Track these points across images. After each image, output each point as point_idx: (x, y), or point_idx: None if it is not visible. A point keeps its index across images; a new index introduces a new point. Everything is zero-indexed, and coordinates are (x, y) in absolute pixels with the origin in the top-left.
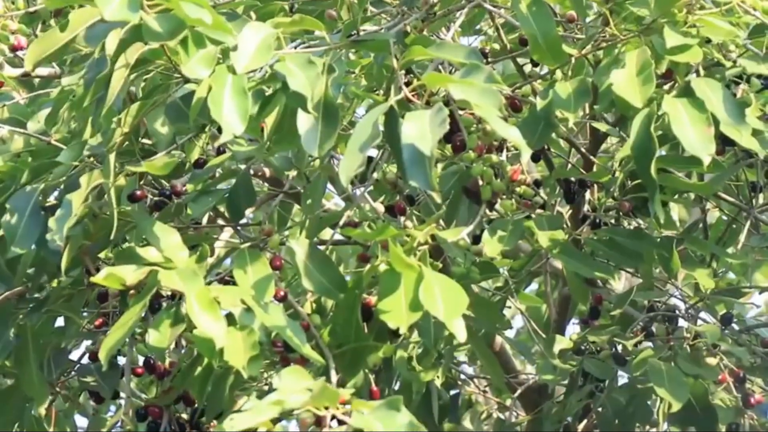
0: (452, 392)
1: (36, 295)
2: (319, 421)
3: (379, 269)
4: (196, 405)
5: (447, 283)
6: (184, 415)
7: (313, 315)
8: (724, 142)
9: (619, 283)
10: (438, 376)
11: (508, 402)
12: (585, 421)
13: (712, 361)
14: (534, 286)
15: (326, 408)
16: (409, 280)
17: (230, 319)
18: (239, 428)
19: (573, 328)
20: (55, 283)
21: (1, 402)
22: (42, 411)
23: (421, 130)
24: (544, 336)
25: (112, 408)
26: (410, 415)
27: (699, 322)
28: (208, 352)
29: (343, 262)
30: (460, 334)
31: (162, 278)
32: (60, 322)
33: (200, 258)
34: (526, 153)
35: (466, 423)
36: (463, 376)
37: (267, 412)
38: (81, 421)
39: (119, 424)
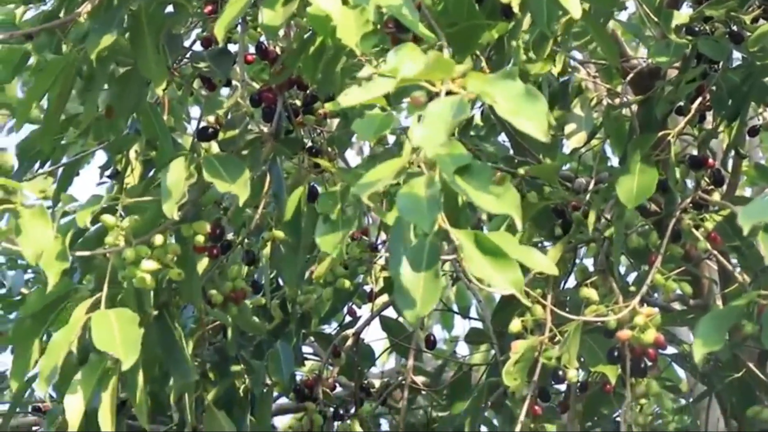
0: (562, 79)
1: None
2: (431, 100)
3: None
4: (309, 90)
5: None
6: (297, 102)
7: None
8: None
9: None
10: (554, 66)
11: (619, 88)
12: (698, 102)
13: None
14: None
15: (441, 82)
16: None
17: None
18: (352, 102)
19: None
20: None
21: (120, 87)
22: (160, 92)
23: None
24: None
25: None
26: (524, 85)
27: None
28: (322, 28)
29: None
30: (575, 8)
31: None
32: (170, 9)
33: None
34: None
35: (576, 110)
36: (573, 63)
37: (381, 86)
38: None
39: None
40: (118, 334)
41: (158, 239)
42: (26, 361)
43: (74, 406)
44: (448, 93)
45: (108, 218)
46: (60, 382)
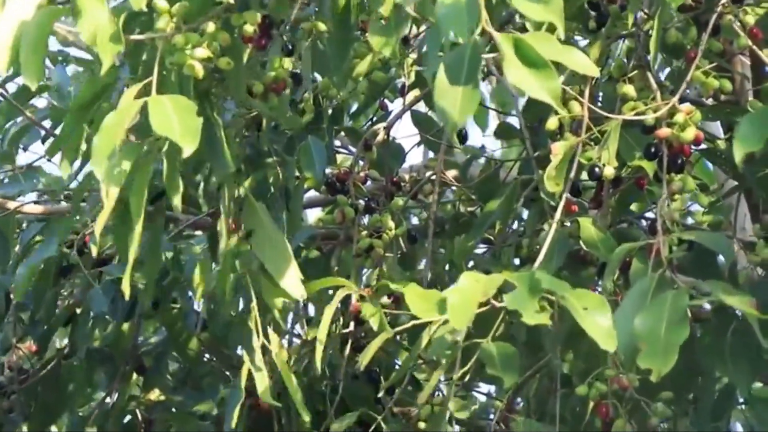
0: None
1: None
2: None
3: None
4: None
5: None
6: None
7: None
8: None
9: None
10: None
11: None
12: None
13: None
14: None
15: None
16: None
17: None
18: None
19: None
20: None
21: None
22: None
23: None
24: None
25: None
26: None
27: None
28: None
29: None
30: None
31: None
32: None
33: None
34: None
35: None
36: None
37: None
38: None
39: None
40: (176, 120)
41: (210, 26)
42: (75, 150)
43: (112, 191)
44: None
45: (160, 2)
46: None
